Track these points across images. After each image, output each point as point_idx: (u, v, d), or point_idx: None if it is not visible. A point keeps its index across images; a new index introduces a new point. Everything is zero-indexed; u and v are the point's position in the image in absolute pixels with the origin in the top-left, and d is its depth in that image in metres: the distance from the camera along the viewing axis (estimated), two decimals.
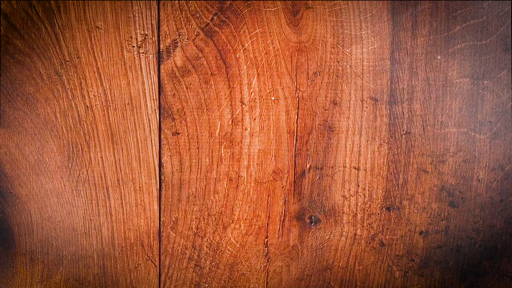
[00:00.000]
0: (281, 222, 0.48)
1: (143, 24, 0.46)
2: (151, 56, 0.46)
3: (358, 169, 0.48)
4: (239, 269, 0.49)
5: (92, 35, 0.46)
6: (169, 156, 0.47)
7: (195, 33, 0.46)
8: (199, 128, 0.47)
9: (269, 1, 0.46)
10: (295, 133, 0.47)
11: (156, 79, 0.47)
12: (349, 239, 0.49)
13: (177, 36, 0.46)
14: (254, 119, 0.47)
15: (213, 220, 0.48)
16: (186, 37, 0.46)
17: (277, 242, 0.48)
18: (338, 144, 0.47)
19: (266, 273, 0.49)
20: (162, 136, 0.47)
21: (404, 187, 0.48)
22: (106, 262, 0.49)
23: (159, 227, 0.48)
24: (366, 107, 0.47)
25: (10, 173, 0.47)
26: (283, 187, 0.48)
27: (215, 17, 0.46)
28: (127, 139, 0.47)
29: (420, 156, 0.48)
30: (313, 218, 0.48)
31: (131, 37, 0.46)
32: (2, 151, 0.47)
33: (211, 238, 0.48)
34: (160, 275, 0.49)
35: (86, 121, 0.47)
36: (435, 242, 0.49)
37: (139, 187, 0.48)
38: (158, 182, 0.48)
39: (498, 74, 0.47)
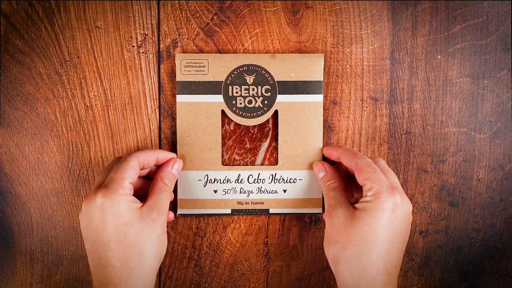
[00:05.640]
0: (281, 222, 0.48)
1: (143, 24, 0.46)
2: (151, 56, 0.46)
3: None
4: (239, 268, 0.49)
5: (92, 35, 0.46)
6: None
7: (195, 32, 0.46)
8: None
9: (269, 1, 0.46)
10: None
11: (156, 79, 0.47)
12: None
13: (177, 36, 0.46)
14: None
15: (213, 220, 0.48)
16: (186, 37, 0.46)
17: (277, 241, 0.48)
18: (338, 144, 0.47)
19: (266, 273, 0.49)
20: (162, 136, 0.47)
21: (404, 187, 0.48)
22: None
23: None
24: (366, 107, 0.47)
25: (10, 173, 0.47)
26: None
27: (215, 17, 0.46)
28: (127, 139, 0.47)
29: (420, 156, 0.48)
30: (313, 217, 0.48)
31: (131, 37, 0.46)
32: (2, 151, 0.47)
33: (211, 238, 0.48)
34: (160, 275, 0.48)
35: (86, 121, 0.47)
36: (435, 242, 0.49)
37: None
38: None
39: (498, 74, 0.47)
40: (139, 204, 0.39)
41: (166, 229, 0.40)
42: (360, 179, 0.39)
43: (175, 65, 0.45)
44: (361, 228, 0.37)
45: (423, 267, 0.49)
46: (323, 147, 0.46)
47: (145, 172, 0.44)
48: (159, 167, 0.44)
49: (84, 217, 0.39)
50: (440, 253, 0.49)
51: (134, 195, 0.40)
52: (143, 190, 0.43)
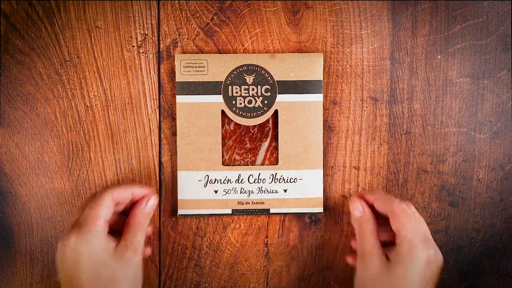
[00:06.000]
0: (281, 222, 0.48)
1: (143, 24, 0.46)
2: (151, 56, 0.46)
3: (358, 169, 0.48)
4: (239, 269, 0.49)
5: (92, 35, 0.46)
6: (169, 156, 0.47)
7: (195, 32, 0.46)
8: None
9: (269, 1, 0.46)
10: None
11: (156, 79, 0.47)
12: (349, 239, 0.49)
13: (177, 36, 0.46)
14: None
15: (213, 220, 0.48)
16: (186, 37, 0.46)
17: (277, 242, 0.48)
18: (338, 144, 0.47)
19: (266, 273, 0.49)
20: (162, 136, 0.47)
21: (404, 187, 0.48)
22: None
23: (159, 227, 0.48)
24: (366, 107, 0.47)
25: (10, 173, 0.47)
26: None
27: (215, 17, 0.46)
28: (127, 139, 0.47)
29: (420, 156, 0.48)
30: (313, 217, 0.48)
31: (131, 37, 0.46)
32: (2, 151, 0.47)
33: (211, 238, 0.48)
34: (160, 275, 0.48)
35: (86, 121, 0.47)
36: (435, 242, 0.49)
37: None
38: (158, 182, 0.48)
39: (498, 74, 0.47)
40: (113, 243, 0.39)
41: (141, 265, 0.40)
42: (395, 226, 0.39)
43: (174, 65, 0.45)
44: (396, 282, 0.37)
45: None
46: (356, 195, 0.44)
47: (121, 208, 0.43)
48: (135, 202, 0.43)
49: (59, 257, 0.38)
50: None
51: (110, 230, 0.39)
52: (119, 225, 0.42)
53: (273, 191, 0.46)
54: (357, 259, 0.41)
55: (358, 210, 0.42)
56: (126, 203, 0.42)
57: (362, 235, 0.41)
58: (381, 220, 0.42)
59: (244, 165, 0.47)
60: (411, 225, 0.38)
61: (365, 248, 0.40)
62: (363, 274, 0.40)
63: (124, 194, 0.41)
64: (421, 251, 0.37)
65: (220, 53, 0.46)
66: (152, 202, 0.42)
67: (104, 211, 0.39)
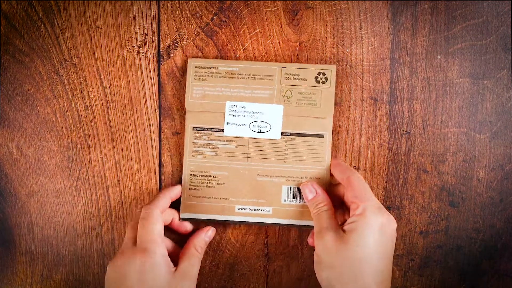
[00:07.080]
0: None
1: (143, 24, 0.46)
2: (151, 56, 0.46)
3: (358, 169, 0.48)
4: (239, 269, 0.49)
5: (92, 35, 0.46)
6: (169, 156, 0.47)
7: (195, 33, 0.46)
8: None
9: (269, 1, 0.46)
10: None
11: (156, 79, 0.47)
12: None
13: (177, 36, 0.46)
14: None
15: None
16: (186, 37, 0.46)
17: (277, 242, 0.48)
18: (338, 144, 0.47)
19: (266, 273, 0.49)
20: (162, 136, 0.47)
21: (404, 187, 0.48)
22: (106, 262, 0.49)
23: None
24: (366, 107, 0.47)
25: (10, 173, 0.47)
26: None
27: (215, 17, 0.46)
28: (127, 139, 0.47)
29: (420, 156, 0.48)
30: None
31: (131, 37, 0.46)
32: (2, 151, 0.47)
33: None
34: None
35: (86, 121, 0.47)
36: (435, 242, 0.49)
37: (139, 187, 0.48)
38: (158, 182, 0.48)
39: (498, 74, 0.47)
40: (173, 268, 0.40)
41: None
42: (349, 196, 0.40)
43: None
44: (353, 250, 0.37)
45: (423, 267, 0.49)
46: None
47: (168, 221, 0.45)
48: (189, 234, 0.46)
49: (117, 272, 0.39)
50: (440, 253, 0.49)
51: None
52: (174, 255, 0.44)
53: None
54: (314, 238, 0.40)
55: (311, 193, 0.43)
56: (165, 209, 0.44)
57: (319, 214, 0.41)
58: (336, 203, 0.43)
59: None
60: (366, 195, 0.39)
61: (322, 227, 0.40)
62: (321, 252, 0.39)
63: (165, 203, 0.43)
64: (372, 217, 0.38)
65: (220, 53, 0.46)
66: (210, 233, 0.46)
67: (159, 226, 0.41)
